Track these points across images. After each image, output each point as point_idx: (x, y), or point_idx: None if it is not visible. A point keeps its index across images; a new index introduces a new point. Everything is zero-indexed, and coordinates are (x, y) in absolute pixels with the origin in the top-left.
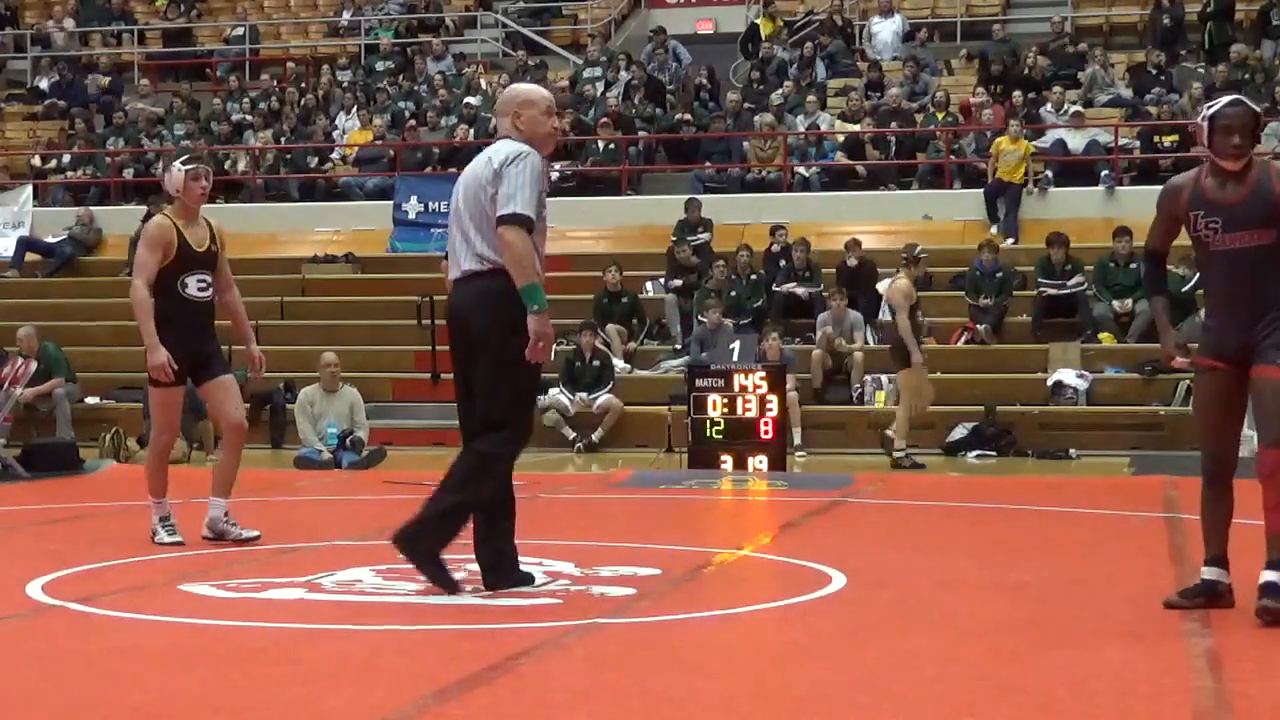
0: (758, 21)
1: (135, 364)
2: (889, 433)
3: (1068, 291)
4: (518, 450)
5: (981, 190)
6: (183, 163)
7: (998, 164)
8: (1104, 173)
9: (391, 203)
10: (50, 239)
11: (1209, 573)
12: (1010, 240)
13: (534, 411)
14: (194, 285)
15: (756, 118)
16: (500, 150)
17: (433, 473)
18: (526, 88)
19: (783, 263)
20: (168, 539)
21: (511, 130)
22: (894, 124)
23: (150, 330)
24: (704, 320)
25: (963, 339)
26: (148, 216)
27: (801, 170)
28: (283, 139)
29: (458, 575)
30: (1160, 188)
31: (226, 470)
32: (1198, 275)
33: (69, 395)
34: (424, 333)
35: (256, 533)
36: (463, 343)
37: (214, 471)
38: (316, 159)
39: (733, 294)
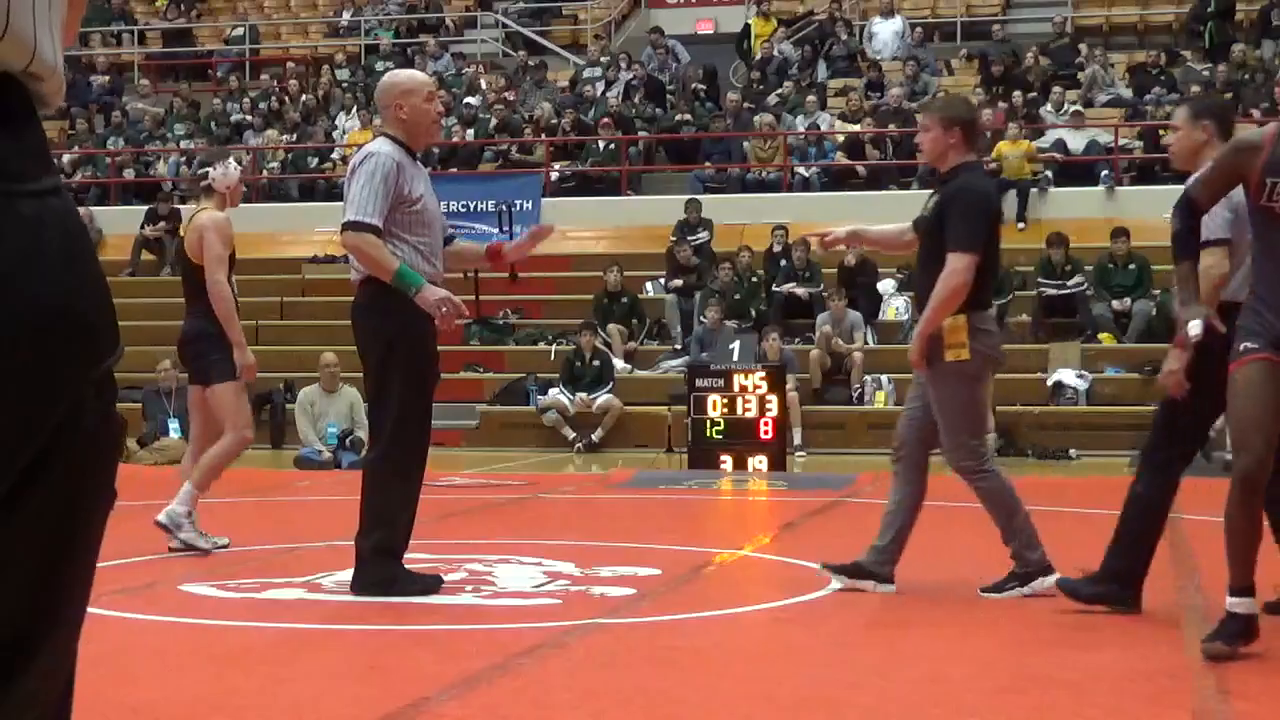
0: (750, 21)
1: (136, 364)
2: None
3: (1068, 291)
4: (405, 464)
5: None
6: (237, 161)
7: (1001, 166)
8: (1104, 173)
9: None
10: None
11: (1240, 605)
12: (1021, 226)
13: (419, 425)
14: (233, 281)
15: (756, 118)
16: (359, 152)
17: (430, 472)
18: (405, 75)
19: (783, 263)
20: (206, 544)
21: (394, 122)
22: (892, 125)
23: (239, 327)
24: (704, 320)
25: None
26: (161, 216)
27: (801, 170)
28: (284, 139)
29: (457, 575)
30: (1161, 188)
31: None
32: None
33: None
34: None
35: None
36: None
37: (195, 463)
38: (317, 159)
39: (735, 296)
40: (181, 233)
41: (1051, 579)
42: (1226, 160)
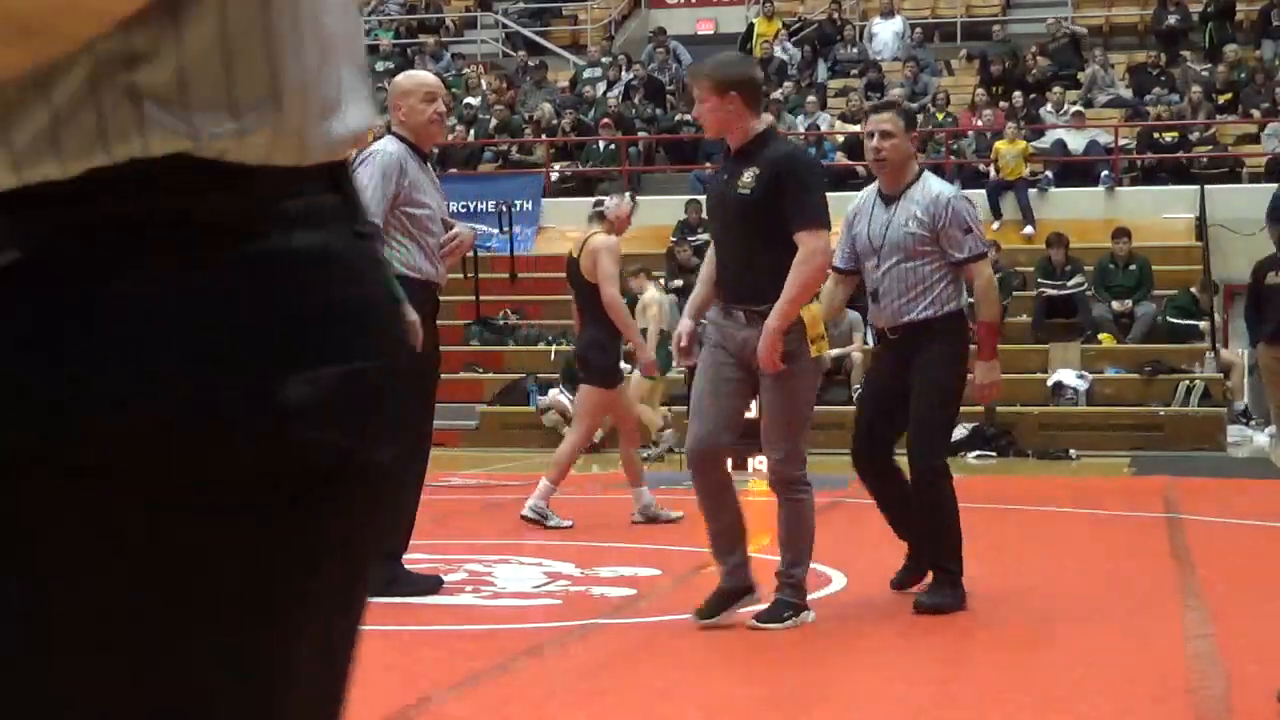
0: (754, 21)
1: None
2: None
3: (1068, 292)
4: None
5: (980, 190)
6: (632, 196)
7: (998, 166)
8: (1104, 173)
9: None
10: None
11: None
12: (1029, 229)
13: (419, 425)
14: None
15: None
16: (362, 150)
17: (430, 472)
18: (406, 75)
19: None
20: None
21: (397, 123)
22: None
23: (637, 332)
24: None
25: None
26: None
27: None
28: None
29: (457, 575)
30: (1161, 188)
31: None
32: None
33: None
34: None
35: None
36: None
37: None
38: None
39: None
40: (575, 254)
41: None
42: None
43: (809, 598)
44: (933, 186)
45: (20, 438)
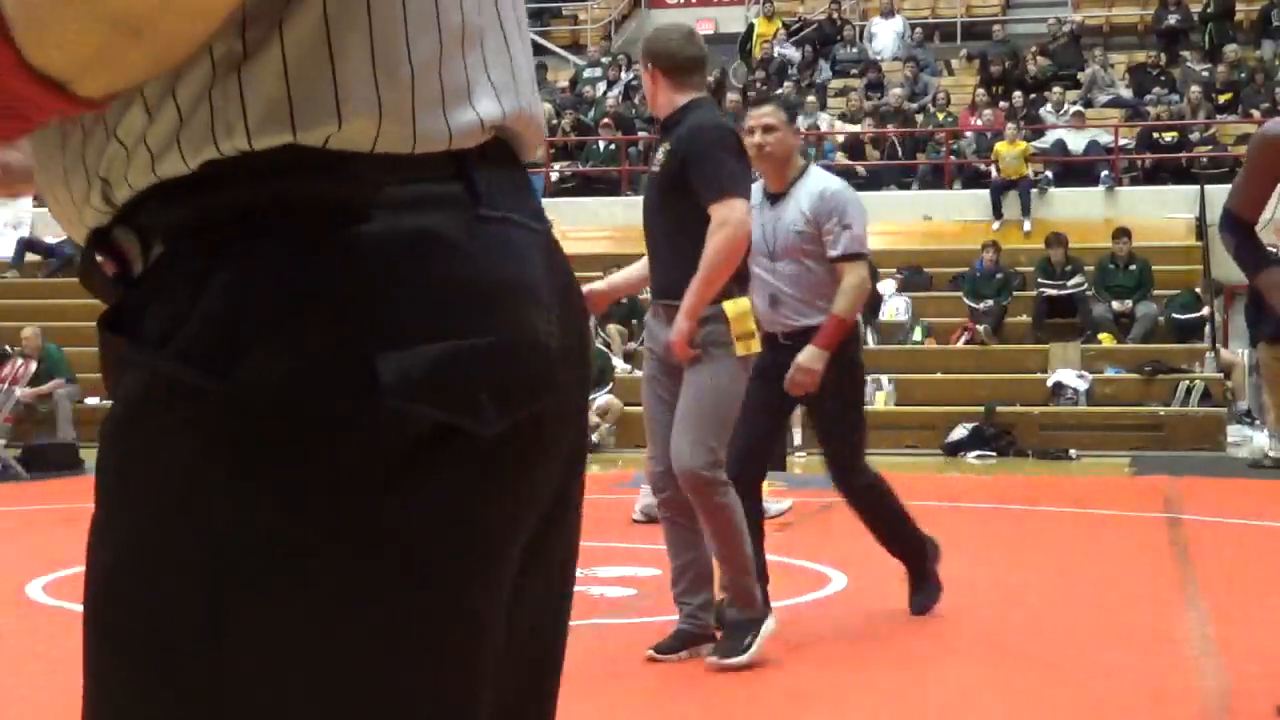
0: (754, 21)
1: None
2: None
3: (1068, 292)
4: None
5: (980, 190)
6: None
7: (1000, 165)
8: (1104, 173)
9: None
10: (51, 239)
11: None
12: (1026, 225)
13: None
14: None
15: None
16: None
17: None
18: None
19: None
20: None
21: None
22: (892, 125)
23: None
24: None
25: (963, 339)
26: None
27: None
28: None
29: None
30: (1161, 188)
31: None
32: None
33: (69, 395)
34: None
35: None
36: None
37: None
38: None
39: None
40: None
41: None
42: (1262, 160)
43: (809, 596)
44: (818, 181)
45: (151, 389)
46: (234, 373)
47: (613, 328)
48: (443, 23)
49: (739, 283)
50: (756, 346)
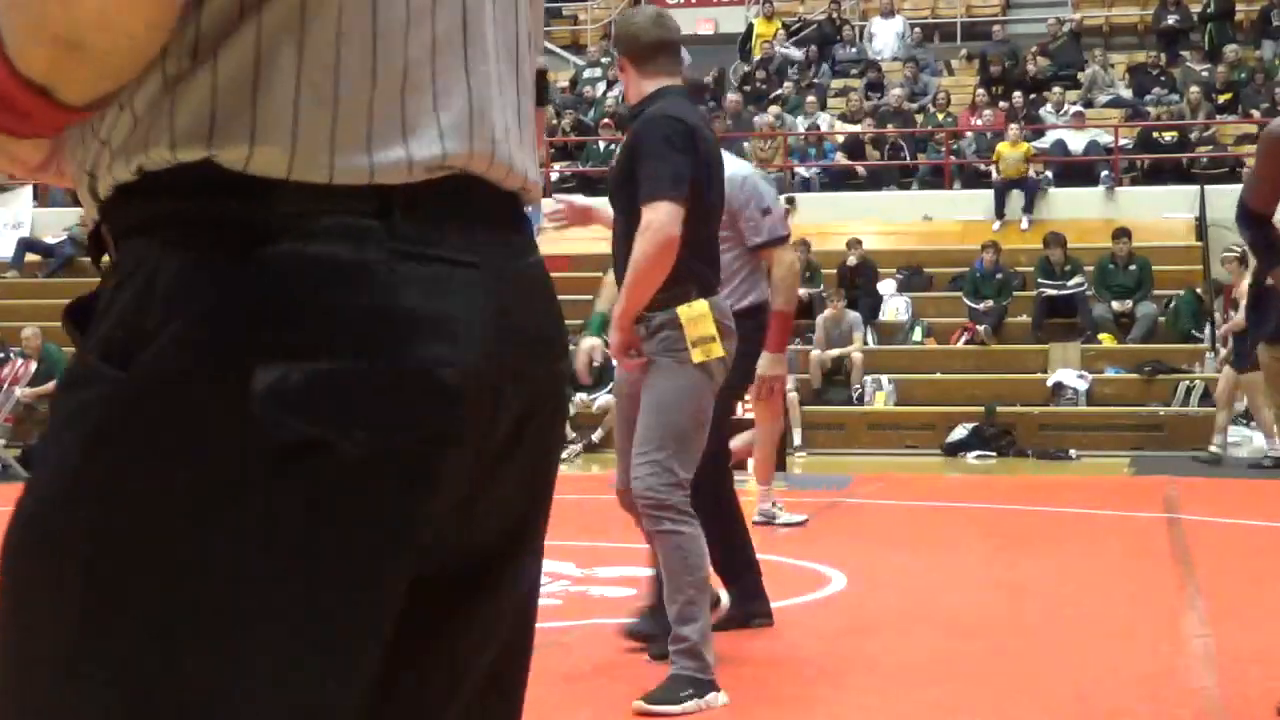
0: (754, 21)
1: None
2: None
3: (1068, 292)
4: None
5: (980, 190)
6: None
7: (1000, 166)
8: (1104, 173)
9: None
10: (50, 239)
11: None
12: (1025, 223)
13: None
14: None
15: (757, 118)
16: None
17: None
18: None
19: None
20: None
21: None
22: (890, 125)
23: None
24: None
25: (963, 339)
26: None
27: (802, 171)
28: None
29: None
30: (1161, 189)
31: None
32: None
33: None
34: None
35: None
36: None
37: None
38: None
39: None
40: None
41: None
42: (1271, 154)
43: (809, 596)
44: (728, 167)
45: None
46: (128, 365)
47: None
48: (380, 65)
49: (698, 285)
50: (718, 351)
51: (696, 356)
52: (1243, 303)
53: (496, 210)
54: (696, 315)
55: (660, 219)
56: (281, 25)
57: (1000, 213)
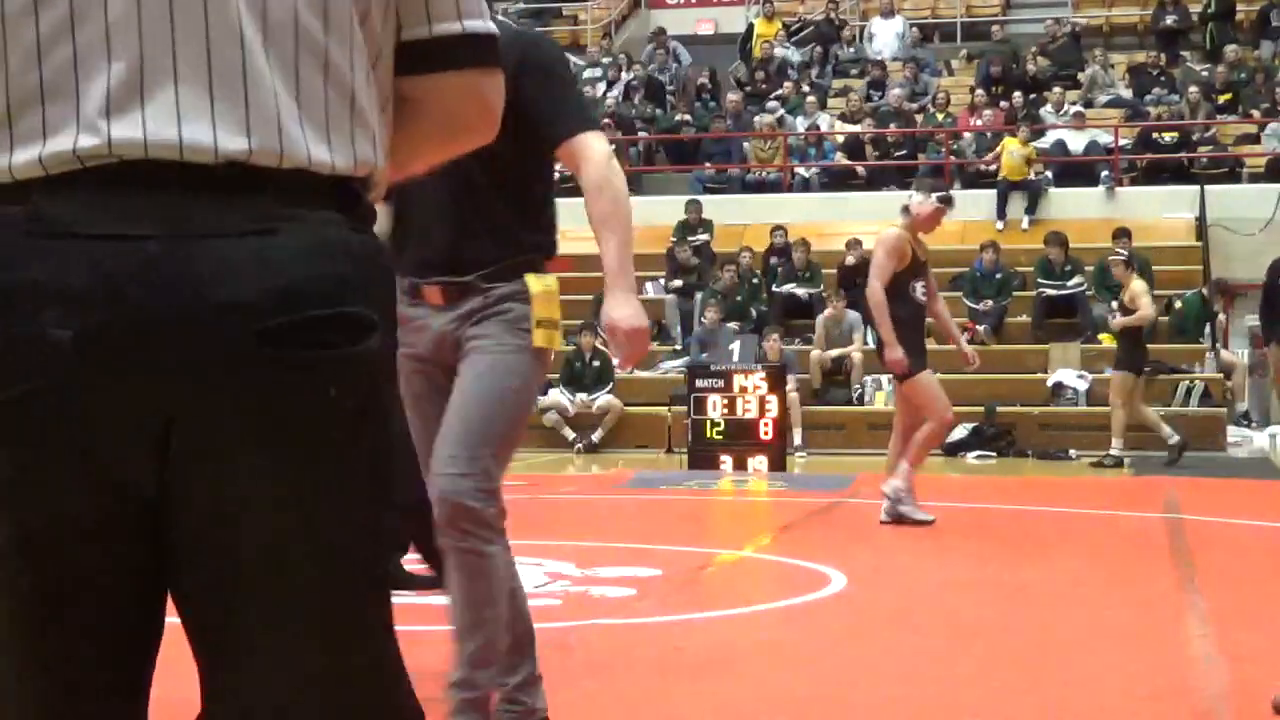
0: (754, 22)
1: None
2: None
3: (1068, 292)
4: None
5: (980, 190)
6: (939, 198)
7: (1005, 161)
8: (1104, 173)
9: None
10: None
11: None
12: (1025, 222)
13: None
14: (919, 290)
15: (757, 118)
16: None
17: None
18: None
19: (782, 264)
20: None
21: None
22: (892, 125)
23: (889, 327)
24: (704, 321)
25: (963, 339)
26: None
27: (801, 171)
28: None
29: None
30: (1161, 189)
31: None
32: None
33: None
34: None
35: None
36: None
37: (900, 450)
38: None
39: (738, 298)
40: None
41: None
42: None
43: (809, 596)
44: None
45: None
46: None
47: None
48: (12, 84)
49: (549, 257)
50: (558, 341)
51: (539, 340)
52: (1142, 301)
53: (161, 185)
54: (547, 290)
55: (610, 152)
56: None
57: (1002, 213)
